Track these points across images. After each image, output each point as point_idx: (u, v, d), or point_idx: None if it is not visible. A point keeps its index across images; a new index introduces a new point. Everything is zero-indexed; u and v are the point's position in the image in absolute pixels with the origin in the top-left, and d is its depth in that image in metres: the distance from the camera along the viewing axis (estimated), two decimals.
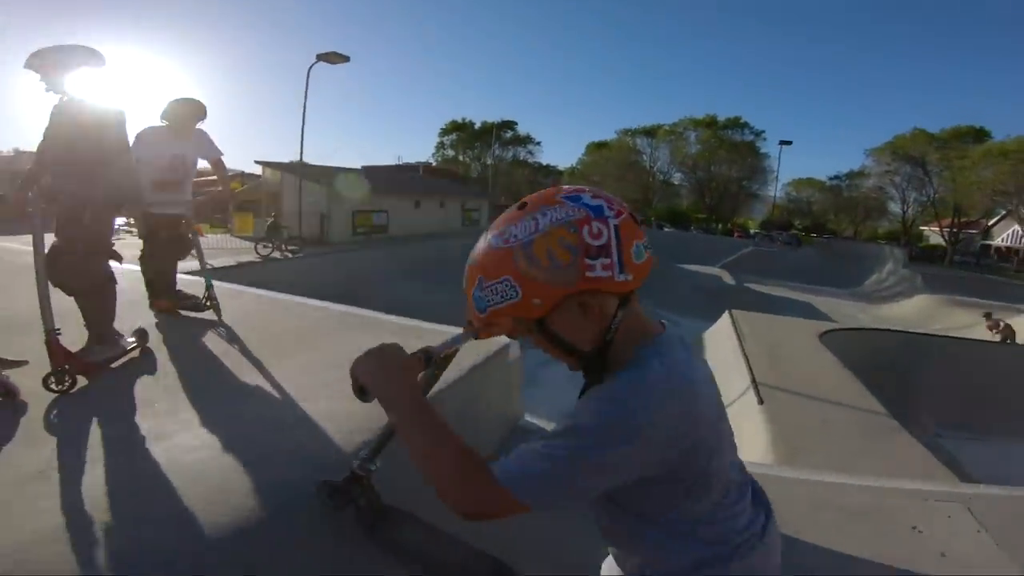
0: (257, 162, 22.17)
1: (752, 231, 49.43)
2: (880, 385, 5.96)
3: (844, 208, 46.74)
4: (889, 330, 9.28)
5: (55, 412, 1.86)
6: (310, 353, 2.68)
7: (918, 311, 18.68)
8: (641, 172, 47.24)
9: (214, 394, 2.13)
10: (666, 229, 41.34)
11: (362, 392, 0.84)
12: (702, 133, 45.18)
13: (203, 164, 3.60)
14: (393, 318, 3.35)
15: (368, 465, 1.16)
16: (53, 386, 1.95)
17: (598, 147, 50.03)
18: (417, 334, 2.93)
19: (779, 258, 29.64)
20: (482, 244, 0.78)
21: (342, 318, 3.34)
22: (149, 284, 3.29)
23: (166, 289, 3.31)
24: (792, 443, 3.68)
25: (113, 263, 2.55)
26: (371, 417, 1.64)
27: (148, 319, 3.05)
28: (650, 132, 47.28)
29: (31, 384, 1.93)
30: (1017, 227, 34.17)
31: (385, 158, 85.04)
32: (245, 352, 2.68)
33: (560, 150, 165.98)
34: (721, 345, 7.57)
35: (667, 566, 0.82)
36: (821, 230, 48.68)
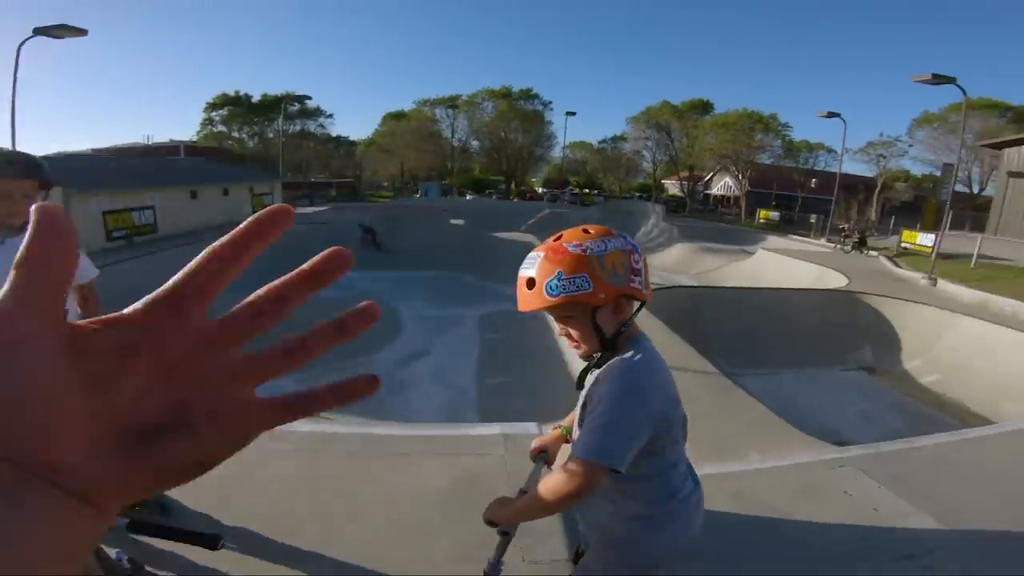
0: None
1: (539, 190, 54.51)
2: (686, 338, 7.21)
3: (610, 167, 54.22)
4: (680, 286, 11.32)
5: None
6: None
7: (678, 259, 23.05)
8: (439, 142, 47.67)
9: None
10: (469, 197, 42.66)
11: (505, 533, 1.20)
12: (499, 103, 47.24)
13: None
14: (403, 431, 2.97)
15: (497, 568, 1.27)
16: None
17: (395, 117, 48.61)
18: (436, 445, 2.73)
19: (571, 217, 33.21)
20: (553, 247, 1.13)
21: (330, 441, 2.79)
22: None
23: None
24: None
25: None
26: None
27: None
28: (450, 102, 47.49)
29: None
30: (727, 179, 44.42)
31: (129, 139, 68.39)
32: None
33: (354, 121, 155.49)
34: None
35: (637, 509, 1.22)
36: (592, 186, 56.10)
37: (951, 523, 2.43)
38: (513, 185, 50.00)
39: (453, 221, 19.42)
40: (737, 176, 39.69)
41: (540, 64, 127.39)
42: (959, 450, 3.41)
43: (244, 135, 46.12)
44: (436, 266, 15.22)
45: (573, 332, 1.16)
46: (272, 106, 41.36)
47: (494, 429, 2.90)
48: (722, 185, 47.37)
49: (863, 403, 7.58)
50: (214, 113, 45.35)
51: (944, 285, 12.64)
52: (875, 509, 2.46)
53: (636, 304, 1.19)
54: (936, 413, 7.30)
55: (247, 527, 2.13)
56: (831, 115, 24.39)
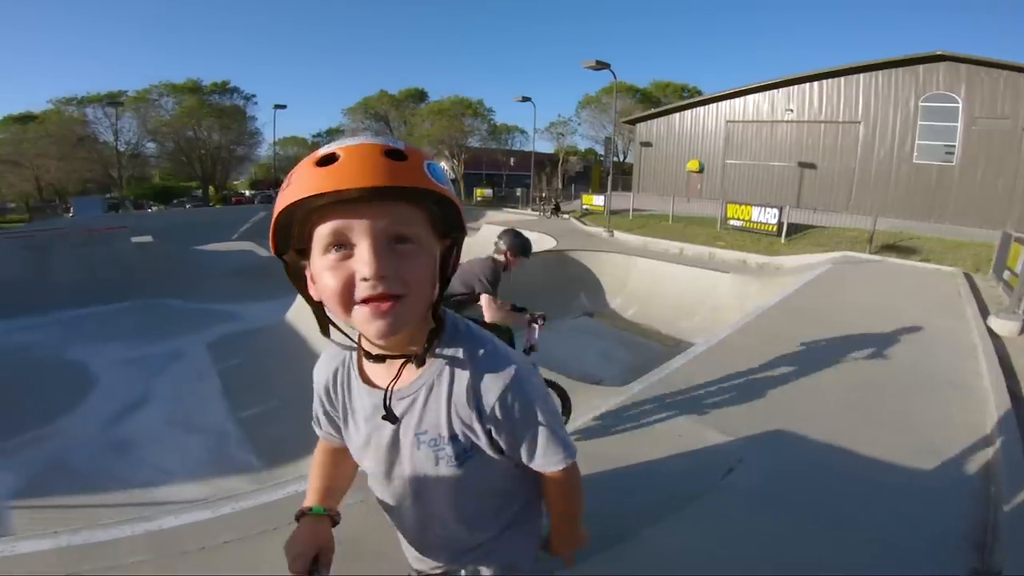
0: None
1: (247, 192, 48.44)
2: None
3: None
4: None
5: None
6: None
7: None
8: (96, 147, 36.99)
9: None
10: (152, 209, 34.72)
11: None
12: (185, 99, 38.74)
13: None
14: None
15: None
16: None
17: (20, 120, 35.76)
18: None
19: None
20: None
21: None
22: None
23: None
24: None
25: None
26: None
27: None
28: (111, 99, 36.60)
29: None
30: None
31: None
32: None
33: None
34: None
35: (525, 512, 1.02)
36: None
37: (735, 433, 3.05)
38: (213, 190, 42.89)
39: (136, 239, 15.40)
40: (453, 160, 42.62)
41: (237, 58, 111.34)
42: (692, 371, 4.14)
43: None
44: (125, 296, 11.92)
45: (407, 269, 0.68)
46: None
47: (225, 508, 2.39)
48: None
49: (598, 343, 8.75)
50: None
51: (619, 235, 16.17)
52: (679, 436, 3.03)
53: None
54: (643, 340, 9.16)
55: None
56: (525, 99, 28.06)
